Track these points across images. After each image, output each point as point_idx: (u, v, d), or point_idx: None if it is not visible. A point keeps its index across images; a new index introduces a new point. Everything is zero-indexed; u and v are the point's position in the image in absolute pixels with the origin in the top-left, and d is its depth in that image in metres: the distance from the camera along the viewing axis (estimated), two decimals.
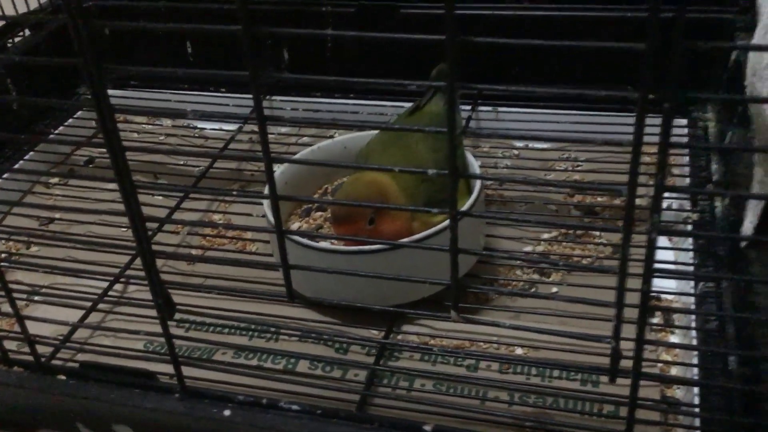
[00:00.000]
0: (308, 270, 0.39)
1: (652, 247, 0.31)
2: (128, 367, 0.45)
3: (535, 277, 0.66)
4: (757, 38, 0.49)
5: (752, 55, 0.48)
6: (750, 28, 0.76)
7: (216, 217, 0.76)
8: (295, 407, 0.43)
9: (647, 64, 0.27)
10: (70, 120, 0.90)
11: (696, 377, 0.53)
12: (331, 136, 0.81)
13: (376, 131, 0.69)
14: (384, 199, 0.58)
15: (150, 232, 0.69)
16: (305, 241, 0.58)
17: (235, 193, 0.42)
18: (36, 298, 0.65)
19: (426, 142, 0.61)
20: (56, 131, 0.88)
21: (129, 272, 0.66)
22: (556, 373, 0.55)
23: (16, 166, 0.81)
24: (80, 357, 0.59)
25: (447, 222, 0.57)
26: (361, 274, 0.39)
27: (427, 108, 0.65)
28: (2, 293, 0.45)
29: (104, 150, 0.91)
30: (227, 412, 0.42)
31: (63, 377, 0.46)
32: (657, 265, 0.33)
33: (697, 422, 0.49)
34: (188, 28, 0.33)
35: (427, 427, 0.41)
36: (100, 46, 0.33)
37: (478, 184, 0.60)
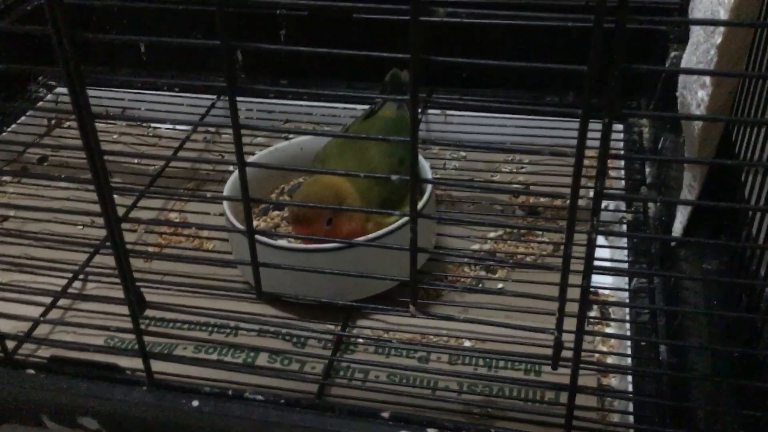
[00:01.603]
0: (276, 268, 0.41)
1: (592, 246, 0.35)
2: (97, 361, 0.47)
3: (482, 273, 0.69)
4: (688, 54, 0.53)
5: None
6: (682, 40, 0.81)
7: (172, 215, 0.77)
8: (259, 398, 0.45)
9: (588, 85, 0.31)
10: (23, 117, 0.90)
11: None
12: (286, 137, 0.83)
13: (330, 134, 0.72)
14: (341, 202, 0.60)
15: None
16: (264, 239, 0.60)
17: (209, 195, 0.44)
18: None
19: (380, 146, 0.64)
20: (8, 129, 0.88)
21: (87, 269, 0.67)
22: (501, 363, 0.59)
23: None
24: (41, 353, 0.60)
25: (400, 222, 0.60)
26: (326, 272, 0.42)
27: (380, 113, 0.68)
28: None
29: (57, 149, 0.91)
30: (195, 403, 0.44)
31: (32, 371, 0.48)
32: (596, 263, 0.37)
33: (630, 407, 0.53)
34: (168, 41, 0.35)
35: (384, 414, 0.44)
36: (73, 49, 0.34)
37: (429, 187, 0.64)
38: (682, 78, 0.53)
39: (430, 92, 0.87)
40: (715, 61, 0.47)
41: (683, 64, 0.54)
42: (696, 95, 0.50)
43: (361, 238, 0.59)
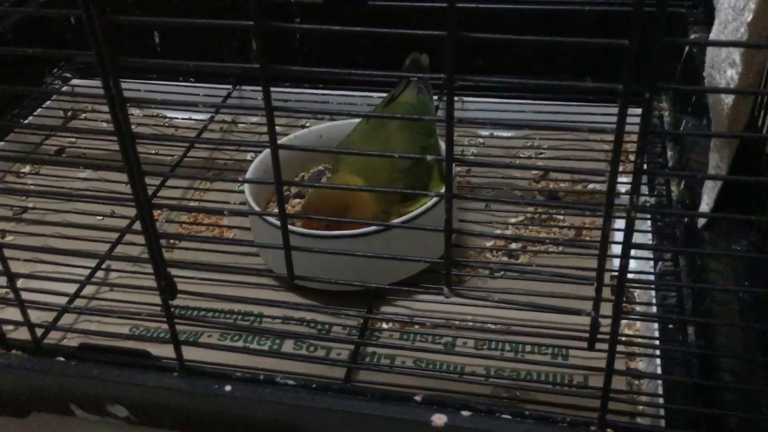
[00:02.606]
0: (308, 251, 0.41)
1: (630, 224, 0.35)
2: (128, 348, 0.47)
3: (504, 259, 0.69)
4: (715, 33, 0.53)
5: (710, 48, 0.52)
6: (701, 22, 0.81)
7: (192, 205, 0.77)
8: (291, 382, 0.45)
9: (630, 58, 0.30)
10: (39, 110, 0.89)
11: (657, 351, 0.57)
12: (303, 126, 0.83)
13: (348, 121, 0.72)
14: (344, 208, 0.61)
15: (130, 220, 0.71)
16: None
17: (240, 179, 0.44)
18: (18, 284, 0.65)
19: (403, 133, 0.63)
20: (24, 121, 0.88)
21: (110, 260, 0.67)
22: (528, 348, 0.59)
23: None
24: (66, 342, 0.60)
25: (428, 204, 0.60)
26: (358, 254, 0.42)
27: (401, 98, 0.68)
28: None
29: (74, 139, 0.91)
30: (228, 388, 0.44)
31: (62, 359, 0.48)
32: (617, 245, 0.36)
33: (660, 390, 0.53)
34: (198, 23, 0.35)
35: (417, 398, 0.44)
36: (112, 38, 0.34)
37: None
38: (709, 58, 0.52)
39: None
40: (746, 39, 0.47)
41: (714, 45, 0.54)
42: (725, 74, 0.49)
43: (396, 221, 0.59)
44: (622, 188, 0.75)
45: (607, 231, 0.35)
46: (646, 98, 0.31)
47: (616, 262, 0.67)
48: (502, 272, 0.66)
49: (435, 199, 0.60)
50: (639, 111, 0.31)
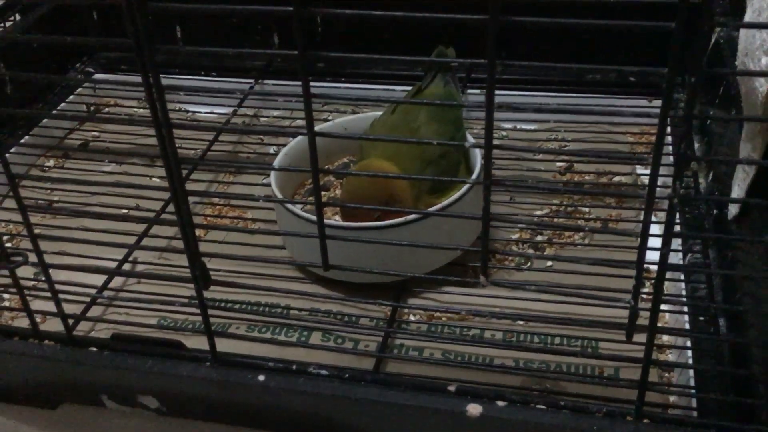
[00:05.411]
0: (343, 240, 0.41)
1: (672, 212, 0.34)
2: (162, 338, 0.47)
3: (530, 252, 0.69)
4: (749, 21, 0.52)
5: (744, 36, 0.51)
6: (726, 13, 0.80)
7: (215, 198, 0.77)
8: (324, 372, 0.45)
9: (675, 42, 0.30)
10: (62, 105, 0.90)
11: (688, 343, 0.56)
12: (325, 119, 0.83)
13: (372, 114, 0.71)
14: (391, 195, 0.60)
15: (155, 213, 0.71)
16: (312, 216, 0.60)
17: (277, 167, 0.44)
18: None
19: (431, 125, 0.63)
20: (48, 115, 0.88)
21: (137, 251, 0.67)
22: (557, 340, 0.58)
23: (12, 150, 0.81)
24: (94, 334, 0.61)
25: (462, 191, 0.60)
26: (394, 243, 0.42)
27: (428, 90, 0.67)
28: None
29: (98, 133, 0.91)
30: (261, 378, 0.44)
31: (94, 349, 0.48)
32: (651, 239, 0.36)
33: (692, 381, 0.52)
34: (236, 10, 0.35)
35: (451, 388, 0.43)
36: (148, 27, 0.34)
37: (478, 163, 0.63)
38: (743, 45, 0.52)
39: (470, 71, 0.86)
40: None
41: (743, 34, 0.53)
42: (760, 62, 0.48)
43: (432, 208, 0.59)
44: (647, 180, 0.74)
45: (648, 219, 0.35)
46: (691, 83, 0.31)
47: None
48: (529, 264, 0.66)
49: (465, 189, 0.60)
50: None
